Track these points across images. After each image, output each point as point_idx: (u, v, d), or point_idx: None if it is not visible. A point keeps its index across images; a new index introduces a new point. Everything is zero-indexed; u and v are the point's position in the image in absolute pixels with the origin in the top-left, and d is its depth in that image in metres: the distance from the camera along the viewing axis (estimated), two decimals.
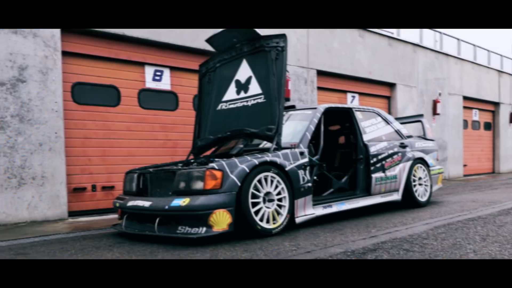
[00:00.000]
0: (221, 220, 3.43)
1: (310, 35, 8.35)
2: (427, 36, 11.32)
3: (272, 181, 3.83)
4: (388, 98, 10.20)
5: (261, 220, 3.69)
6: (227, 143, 5.12)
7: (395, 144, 5.24)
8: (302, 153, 4.16)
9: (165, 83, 6.75)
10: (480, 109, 13.12)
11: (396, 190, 5.16)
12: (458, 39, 12.46)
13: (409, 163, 5.30)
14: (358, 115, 5.03)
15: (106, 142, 6.12)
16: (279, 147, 4.08)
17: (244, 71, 4.66)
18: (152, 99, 6.60)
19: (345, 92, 9.25)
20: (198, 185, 3.57)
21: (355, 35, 9.23)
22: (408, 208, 5.28)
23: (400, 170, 5.19)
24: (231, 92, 4.79)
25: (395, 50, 10.16)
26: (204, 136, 4.93)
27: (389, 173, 5.05)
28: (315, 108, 4.71)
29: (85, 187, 5.91)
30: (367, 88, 9.70)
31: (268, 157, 3.82)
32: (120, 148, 6.23)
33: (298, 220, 3.99)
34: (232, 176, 3.56)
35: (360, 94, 9.49)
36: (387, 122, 5.40)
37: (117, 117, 6.23)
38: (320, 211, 4.26)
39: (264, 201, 3.77)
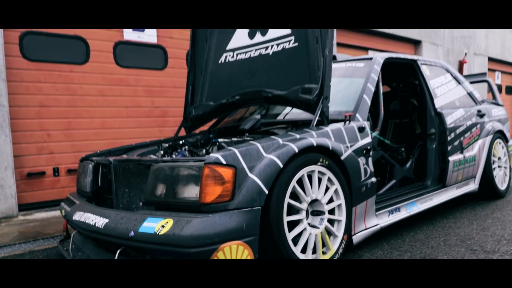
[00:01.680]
0: None
1: None
2: None
3: (320, 180, 2.05)
4: None
5: (303, 251, 1.94)
6: (234, 113, 3.30)
7: (472, 113, 3.43)
8: (361, 129, 2.36)
9: (150, 34, 4.82)
10: (502, 72, 11.23)
11: (473, 177, 3.41)
12: None
13: (488, 139, 3.52)
14: (425, 70, 3.20)
15: (71, 112, 4.27)
16: (325, 120, 2.28)
17: None
18: (133, 55, 4.69)
19: (366, 49, 7.35)
20: (190, 192, 1.78)
21: None
22: (484, 199, 3.55)
23: (479, 149, 3.41)
24: (240, 36, 2.93)
25: None
26: (200, 102, 3.11)
27: (467, 153, 3.27)
28: (369, 58, 2.86)
29: (44, 171, 4.11)
30: (390, 45, 7.78)
31: (313, 138, 2.02)
32: (91, 119, 4.39)
33: (356, 238, 2.24)
34: (253, 177, 1.77)
35: (382, 52, 7.58)
36: (458, 81, 3.57)
37: (85, 78, 4.35)
38: (385, 219, 2.50)
39: (307, 216, 2.01)
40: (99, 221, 1.96)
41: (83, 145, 4.32)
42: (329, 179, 2.07)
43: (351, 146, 2.23)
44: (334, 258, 2.04)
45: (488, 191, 3.53)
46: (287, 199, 1.86)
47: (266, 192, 1.77)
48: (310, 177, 2.00)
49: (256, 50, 2.79)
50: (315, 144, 1.98)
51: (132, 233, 1.76)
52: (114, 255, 1.91)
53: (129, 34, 4.66)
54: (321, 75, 2.27)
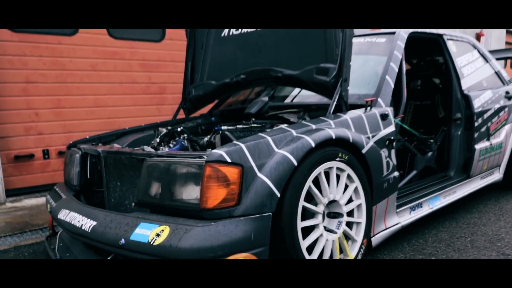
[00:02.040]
0: None
1: None
2: None
3: (338, 177, 1.82)
4: None
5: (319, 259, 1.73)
6: (238, 93, 3.04)
7: (500, 95, 3.16)
8: (384, 116, 2.10)
9: None
10: None
11: (498, 166, 3.18)
12: None
13: None
14: (451, 46, 2.90)
15: (61, 88, 4.00)
16: (343, 106, 2.03)
17: None
18: None
19: None
20: (189, 194, 1.55)
21: None
22: (508, 189, 3.33)
23: (506, 135, 3.16)
24: None
25: None
26: (201, 81, 2.83)
27: (494, 140, 3.02)
28: (391, 33, 2.56)
29: (33, 153, 3.89)
30: None
31: (332, 129, 1.77)
32: (83, 96, 4.12)
33: (375, 240, 2.03)
34: (262, 177, 1.53)
35: None
36: (485, 59, 3.28)
37: (75, 51, 4.05)
38: (406, 217, 2.29)
39: (322, 218, 1.79)
40: (86, 224, 1.74)
41: (74, 125, 4.08)
42: (348, 176, 1.83)
43: (372, 136, 1.99)
44: None
45: (510, 181, 3.30)
46: (302, 202, 1.63)
47: (278, 195, 1.54)
48: (327, 174, 1.77)
49: None
50: (334, 137, 1.73)
51: (122, 241, 1.54)
52: (105, 258, 1.71)
53: None
54: (339, 53, 2.00)
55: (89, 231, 1.70)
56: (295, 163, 1.59)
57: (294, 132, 1.70)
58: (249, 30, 2.58)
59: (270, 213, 1.52)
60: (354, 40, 2.63)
